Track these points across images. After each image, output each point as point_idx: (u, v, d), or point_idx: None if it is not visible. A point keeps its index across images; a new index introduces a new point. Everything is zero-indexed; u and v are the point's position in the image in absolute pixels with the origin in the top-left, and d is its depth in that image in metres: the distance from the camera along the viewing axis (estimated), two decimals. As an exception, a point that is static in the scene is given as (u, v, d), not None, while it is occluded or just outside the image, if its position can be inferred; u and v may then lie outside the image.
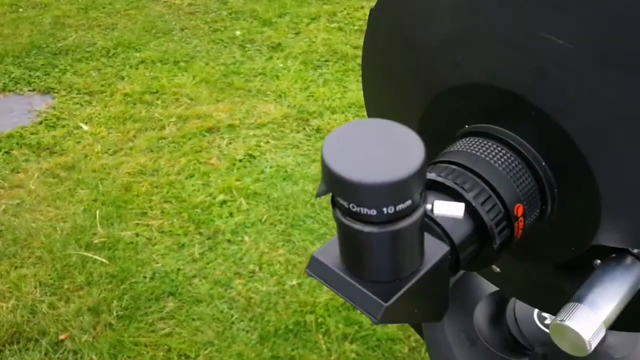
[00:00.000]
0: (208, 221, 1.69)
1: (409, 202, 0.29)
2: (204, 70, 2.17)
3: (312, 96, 2.08)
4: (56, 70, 2.24)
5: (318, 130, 1.95)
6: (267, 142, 1.91)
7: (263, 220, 1.67)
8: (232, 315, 1.49)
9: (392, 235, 0.30)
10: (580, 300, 0.37)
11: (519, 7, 0.34)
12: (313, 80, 2.14)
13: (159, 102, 2.06)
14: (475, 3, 0.36)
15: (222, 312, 1.49)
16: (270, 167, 1.82)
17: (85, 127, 1.97)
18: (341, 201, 0.30)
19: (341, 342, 1.38)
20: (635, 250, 0.38)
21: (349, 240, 0.31)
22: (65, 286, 1.54)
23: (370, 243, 0.30)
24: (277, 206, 1.70)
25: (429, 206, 0.31)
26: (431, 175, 0.36)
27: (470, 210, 0.35)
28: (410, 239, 0.31)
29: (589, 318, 0.36)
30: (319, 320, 1.42)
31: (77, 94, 2.11)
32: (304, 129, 1.97)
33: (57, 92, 2.14)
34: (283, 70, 2.18)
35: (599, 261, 0.40)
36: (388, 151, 0.29)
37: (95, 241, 1.64)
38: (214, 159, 1.86)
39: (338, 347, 1.38)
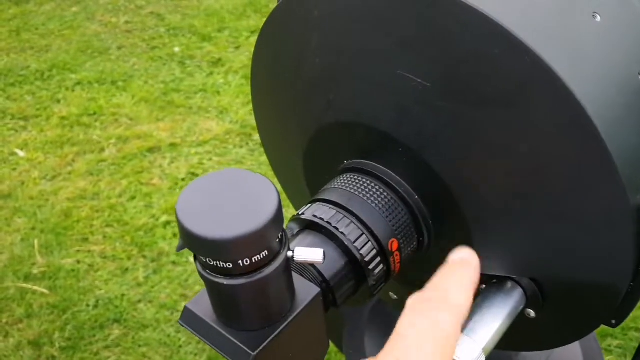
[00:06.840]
0: (152, 244, 1.66)
1: (265, 253, 0.29)
2: (143, 89, 2.14)
3: (254, 110, 2.07)
4: (-13, 96, 2.18)
5: (261, 144, 1.95)
6: (210, 160, 1.89)
7: (207, 239, 1.65)
8: (180, 339, 1.47)
9: (252, 286, 0.30)
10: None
11: (379, 47, 0.34)
12: (254, 94, 2.13)
13: (97, 123, 2.02)
14: (340, 43, 0.36)
15: (169, 336, 1.47)
16: (214, 184, 1.81)
17: (20, 153, 1.92)
18: (198, 255, 0.30)
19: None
20: (515, 275, 0.39)
21: (214, 292, 0.31)
22: (4, 320, 1.49)
23: (233, 294, 0.30)
24: (220, 224, 1.69)
25: (290, 253, 0.31)
26: (307, 215, 0.36)
27: (344, 249, 0.35)
28: (274, 286, 0.31)
29: (469, 347, 0.36)
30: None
31: (10, 119, 2.04)
32: (247, 144, 1.96)
33: (-11, 119, 2.08)
34: (224, 85, 2.17)
35: (483, 286, 0.41)
36: (240, 204, 0.29)
37: (35, 271, 1.60)
38: (156, 179, 1.83)
39: (287, 364, 1.37)
